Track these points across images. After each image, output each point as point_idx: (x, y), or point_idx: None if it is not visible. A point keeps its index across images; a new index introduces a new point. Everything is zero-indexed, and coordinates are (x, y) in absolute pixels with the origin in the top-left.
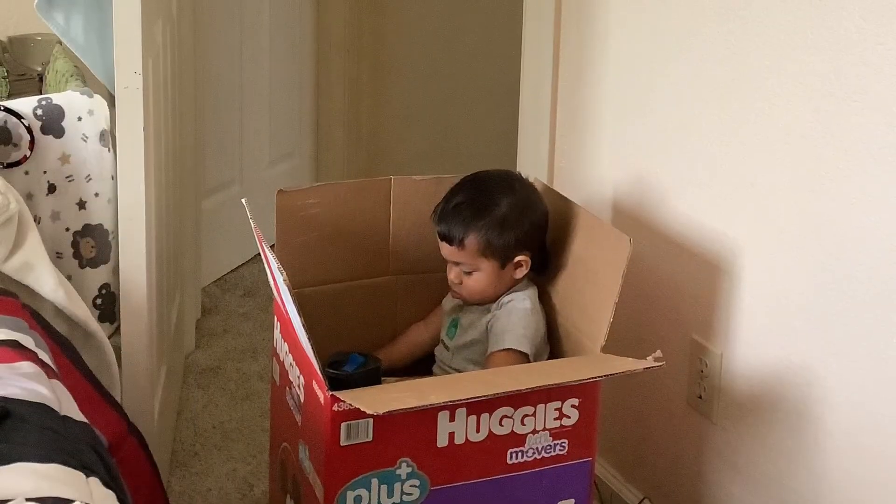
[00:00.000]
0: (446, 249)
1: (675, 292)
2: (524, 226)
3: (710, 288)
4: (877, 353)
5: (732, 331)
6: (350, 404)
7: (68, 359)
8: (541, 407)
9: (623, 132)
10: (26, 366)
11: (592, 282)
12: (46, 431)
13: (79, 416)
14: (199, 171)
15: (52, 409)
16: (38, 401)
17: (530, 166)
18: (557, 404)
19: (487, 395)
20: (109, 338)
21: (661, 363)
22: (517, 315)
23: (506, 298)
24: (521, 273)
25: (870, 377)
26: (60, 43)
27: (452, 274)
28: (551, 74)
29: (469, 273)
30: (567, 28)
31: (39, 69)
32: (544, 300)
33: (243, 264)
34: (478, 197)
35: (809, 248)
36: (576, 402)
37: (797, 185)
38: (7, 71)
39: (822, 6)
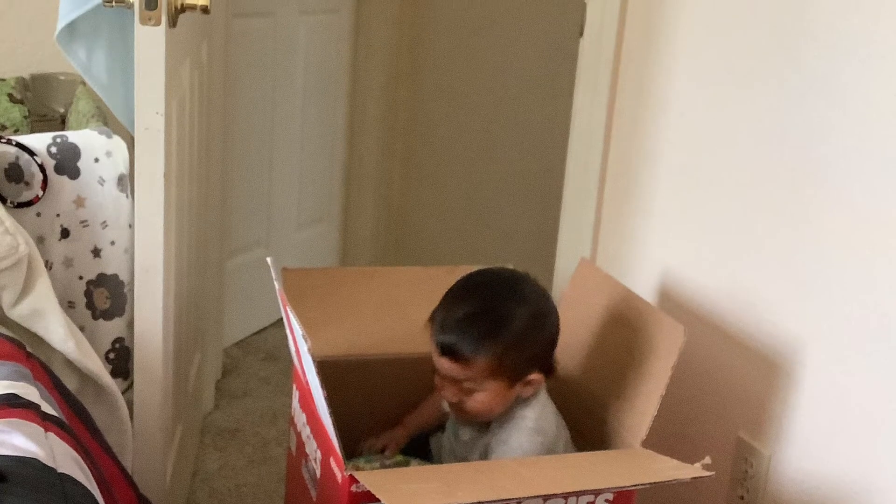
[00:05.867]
0: (445, 364)
1: (724, 386)
2: (541, 342)
3: (763, 384)
4: None
5: (784, 432)
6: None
7: (75, 415)
8: (572, 499)
9: (679, 214)
10: (23, 423)
11: (638, 371)
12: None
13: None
14: (224, 229)
15: (49, 467)
16: (29, 456)
17: (572, 244)
18: (590, 497)
19: (519, 497)
20: (123, 394)
21: (710, 472)
22: (516, 441)
23: (506, 416)
24: (529, 391)
25: None
26: (84, 84)
27: (449, 392)
28: (601, 151)
29: (470, 392)
30: (622, 101)
31: (62, 110)
32: (583, 384)
33: (266, 328)
34: (489, 308)
35: (879, 349)
36: (610, 496)
37: (871, 281)
38: (28, 110)
39: None
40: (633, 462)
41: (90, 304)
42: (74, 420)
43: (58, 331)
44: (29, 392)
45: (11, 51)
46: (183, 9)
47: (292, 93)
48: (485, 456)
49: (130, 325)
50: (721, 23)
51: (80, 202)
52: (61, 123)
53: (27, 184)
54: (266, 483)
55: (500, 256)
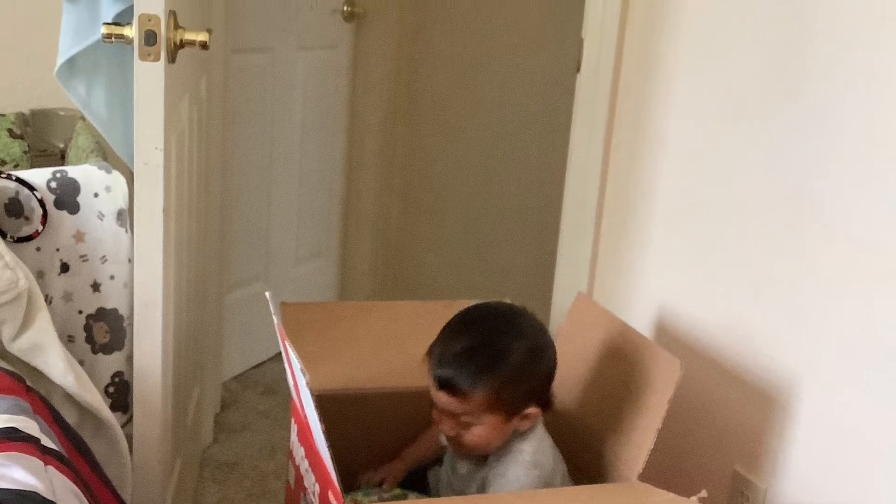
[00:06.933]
0: (443, 398)
1: (721, 419)
2: (538, 376)
3: (759, 418)
4: None
5: (780, 465)
6: None
7: (75, 448)
8: None
9: (676, 248)
10: (23, 457)
11: (635, 404)
12: None
13: None
14: (223, 263)
15: (49, 501)
16: (29, 489)
17: (569, 278)
18: None
19: None
20: (122, 427)
21: None
22: (514, 474)
23: (504, 449)
24: (526, 425)
25: None
26: (83, 119)
27: (446, 426)
28: (598, 186)
29: (467, 426)
30: (619, 136)
31: (62, 146)
32: (580, 418)
33: (265, 361)
34: (486, 342)
35: (876, 381)
36: None
37: (868, 313)
38: (28, 146)
39: None
40: (629, 495)
41: (90, 338)
42: (74, 454)
43: (57, 365)
44: (29, 426)
45: (11, 86)
46: (182, 45)
47: (291, 128)
48: (482, 489)
49: (130, 359)
50: (718, 57)
51: (79, 237)
52: (61, 158)
53: (27, 218)
54: None
55: (497, 291)
